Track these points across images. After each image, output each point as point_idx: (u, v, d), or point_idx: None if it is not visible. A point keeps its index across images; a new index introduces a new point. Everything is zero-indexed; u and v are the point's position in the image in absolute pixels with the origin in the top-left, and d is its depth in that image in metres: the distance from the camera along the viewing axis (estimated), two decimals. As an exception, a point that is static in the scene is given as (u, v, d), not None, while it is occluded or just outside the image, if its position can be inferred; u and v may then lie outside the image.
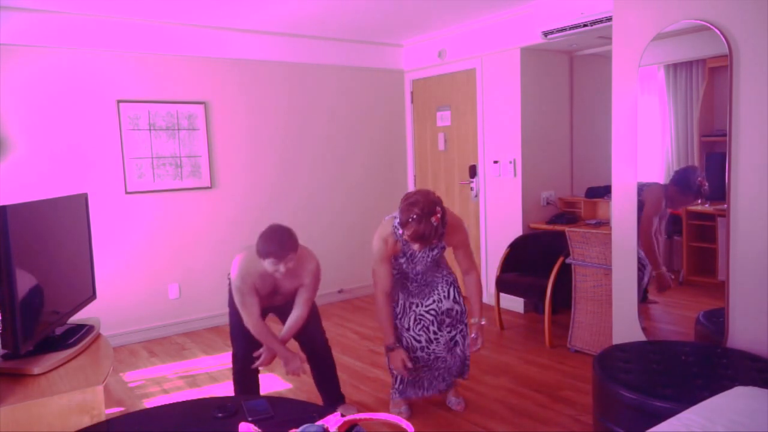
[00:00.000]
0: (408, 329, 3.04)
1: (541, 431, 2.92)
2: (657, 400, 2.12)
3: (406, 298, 3.06)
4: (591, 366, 2.58)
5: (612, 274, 3.25)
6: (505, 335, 4.42)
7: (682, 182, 3.34)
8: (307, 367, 3.07)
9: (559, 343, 4.09)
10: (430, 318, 3.02)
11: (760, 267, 2.58)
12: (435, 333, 3.02)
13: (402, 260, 2.99)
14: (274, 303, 3.04)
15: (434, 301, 3.04)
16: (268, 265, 2.70)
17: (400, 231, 2.81)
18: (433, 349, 3.05)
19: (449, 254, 3.09)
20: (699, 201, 3.31)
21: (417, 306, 3.04)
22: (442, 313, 3.03)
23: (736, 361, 2.47)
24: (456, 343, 3.08)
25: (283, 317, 3.05)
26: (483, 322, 3.02)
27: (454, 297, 3.07)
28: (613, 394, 2.28)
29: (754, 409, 1.77)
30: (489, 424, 3.00)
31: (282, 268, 2.70)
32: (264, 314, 2.96)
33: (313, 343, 3.12)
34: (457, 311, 3.07)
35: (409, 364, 2.96)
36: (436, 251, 2.99)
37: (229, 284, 3.03)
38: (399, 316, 3.06)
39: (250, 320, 2.83)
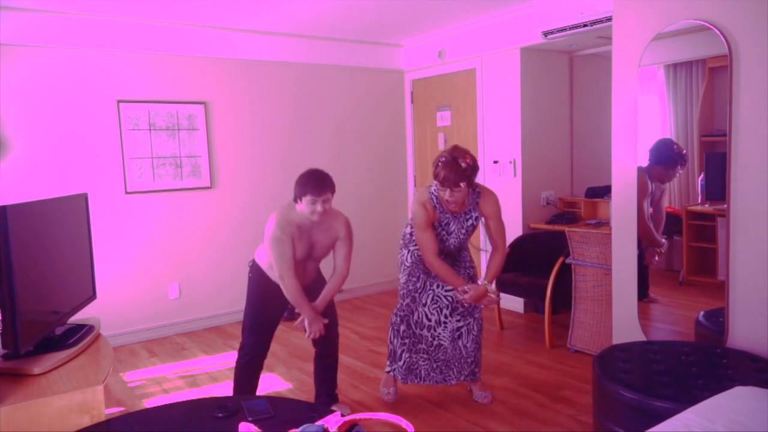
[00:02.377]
0: (425, 305, 3.14)
1: (541, 431, 2.92)
2: (657, 400, 2.12)
3: (427, 277, 3.15)
4: (591, 366, 2.58)
5: (612, 274, 3.25)
6: (505, 335, 4.42)
7: (662, 157, 3.33)
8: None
9: (559, 343, 4.09)
10: (446, 302, 3.13)
11: (760, 267, 2.58)
12: (446, 317, 3.14)
13: (438, 229, 3.06)
14: (306, 274, 3.03)
15: (453, 288, 3.10)
16: (306, 204, 2.75)
17: (436, 196, 2.96)
18: (439, 333, 3.14)
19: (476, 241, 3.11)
20: (683, 167, 3.34)
21: (438, 287, 3.14)
22: (458, 301, 3.11)
23: (736, 361, 2.47)
24: (460, 335, 3.16)
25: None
26: (489, 287, 3.02)
27: None
28: (613, 394, 2.28)
29: (754, 409, 1.77)
30: (489, 424, 3.00)
31: (320, 207, 2.75)
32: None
33: (327, 339, 3.14)
34: (470, 304, 3.13)
35: (494, 294, 3.06)
36: (470, 222, 3.07)
37: (250, 271, 3.07)
38: (419, 291, 3.15)
39: (287, 273, 2.81)
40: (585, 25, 4.05)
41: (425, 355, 3.16)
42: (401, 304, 3.17)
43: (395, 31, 5.24)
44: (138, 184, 4.51)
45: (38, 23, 4.04)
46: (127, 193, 4.47)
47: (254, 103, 5.02)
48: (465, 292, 3.02)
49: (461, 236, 3.11)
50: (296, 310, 2.95)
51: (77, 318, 2.57)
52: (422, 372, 3.17)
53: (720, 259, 3.02)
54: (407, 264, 3.18)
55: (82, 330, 2.41)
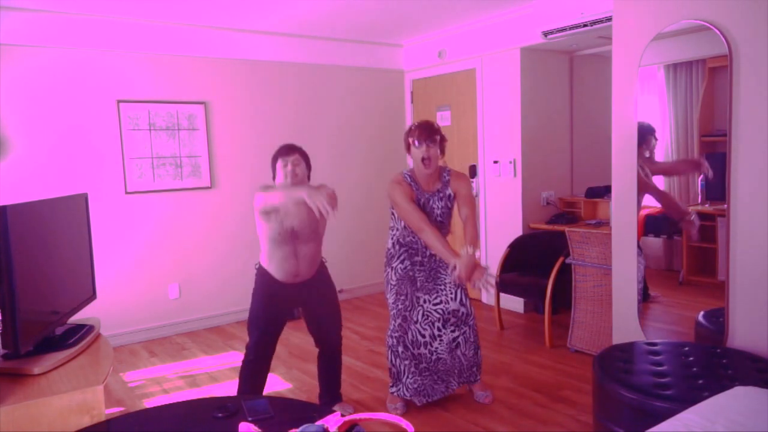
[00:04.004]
0: (416, 322, 3.12)
1: (541, 431, 2.92)
2: (657, 400, 2.12)
3: (413, 291, 3.13)
4: (591, 366, 2.58)
5: (612, 274, 3.25)
6: (505, 335, 4.42)
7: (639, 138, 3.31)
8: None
9: (559, 343, 4.09)
10: (437, 315, 3.11)
11: (760, 267, 2.58)
12: (439, 330, 3.11)
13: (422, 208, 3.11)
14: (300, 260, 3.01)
15: (442, 301, 3.12)
16: (281, 170, 2.91)
17: (410, 176, 3.11)
18: (436, 348, 3.12)
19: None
20: (655, 139, 3.34)
21: (425, 302, 3.13)
22: (449, 312, 3.11)
23: (736, 361, 2.47)
24: (457, 345, 3.14)
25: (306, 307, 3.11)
26: (475, 253, 2.87)
27: (461, 299, 3.14)
28: (613, 394, 2.28)
29: (754, 409, 1.77)
30: (489, 424, 3.00)
31: (290, 166, 2.89)
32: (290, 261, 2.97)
33: (329, 339, 3.16)
34: (462, 313, 3.14)
35: (482, 268, 2.89)
36: (445, 200, 3.14)
37: (257, 273, 3.09)
38: (408, 309, 3.12)
39: (272, 191, 2.83)
40: (585, 25, 4.05)
41: (427, 373, 3.14)
42: (393, 325, 3.12)
43: (395, 31, 5.24)
44: (138, 184, 4.51)
45: (38, 23, 4.04)
46: (127, 193, 4.47)
47: (254, 103, 5.02)
48: (454, 268, 2.84)
49: (443, 215, 3.15)
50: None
51: (77, 318, 2.56)
52: (428, 390, 3.15)
53: (720, 259, 3.02)
54: (393, 282, 3.13)
55: (82, 330, 2.40)
